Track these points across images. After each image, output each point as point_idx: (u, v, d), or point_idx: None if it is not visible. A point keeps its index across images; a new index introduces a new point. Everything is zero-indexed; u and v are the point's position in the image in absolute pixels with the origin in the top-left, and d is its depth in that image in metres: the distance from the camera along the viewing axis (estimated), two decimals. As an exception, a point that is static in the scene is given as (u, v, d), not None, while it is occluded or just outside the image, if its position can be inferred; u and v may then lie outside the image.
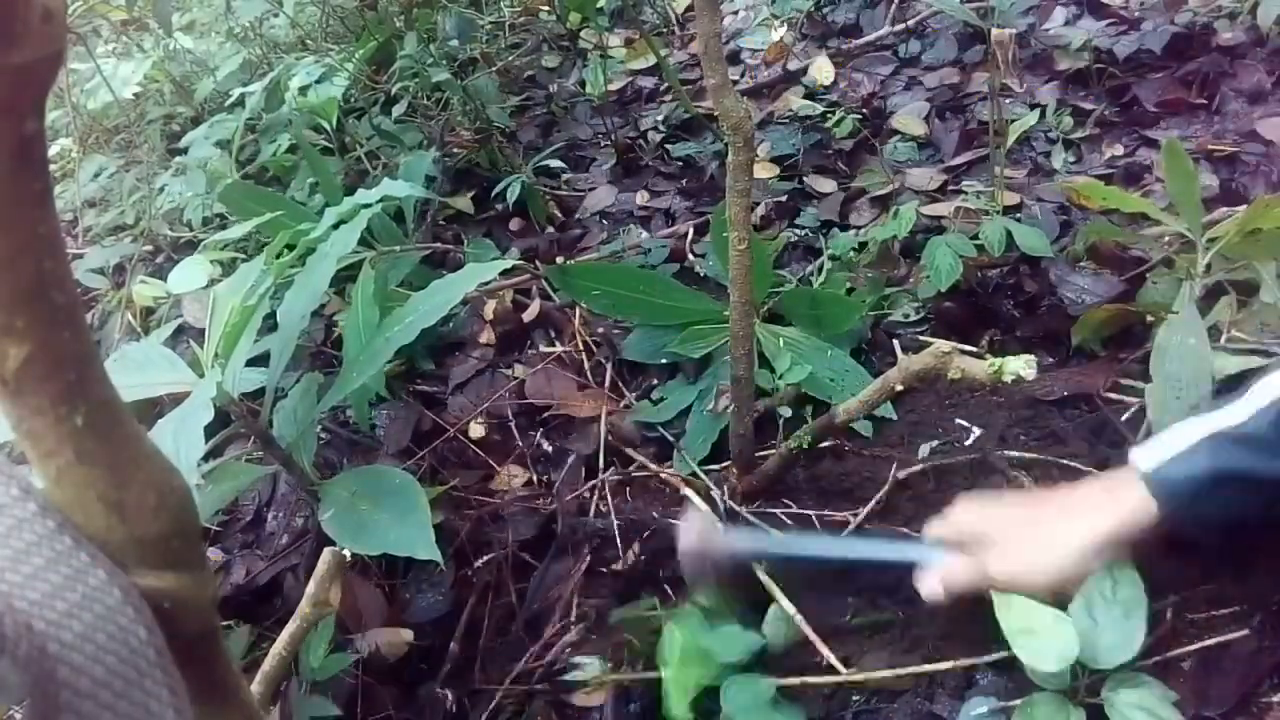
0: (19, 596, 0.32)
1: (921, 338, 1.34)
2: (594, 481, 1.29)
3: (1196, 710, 0.85)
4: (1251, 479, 0.71)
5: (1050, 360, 1.27)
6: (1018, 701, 0.86)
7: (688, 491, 1.23)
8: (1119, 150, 1.55)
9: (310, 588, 0.83)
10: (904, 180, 1.59)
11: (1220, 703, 0.85)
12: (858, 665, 0.99)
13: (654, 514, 1.22)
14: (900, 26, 1.99)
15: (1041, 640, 0.81)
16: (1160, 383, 1.00)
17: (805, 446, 1.13)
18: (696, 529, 0.94)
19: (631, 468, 1.31)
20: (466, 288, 1.05)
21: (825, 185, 1.66)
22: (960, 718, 0.90)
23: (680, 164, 1.84)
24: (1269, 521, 0.76)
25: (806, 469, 1.22)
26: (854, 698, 0.97)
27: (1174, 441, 0.75)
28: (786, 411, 1.23)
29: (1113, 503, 0.76)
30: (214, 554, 1.34)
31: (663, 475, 1.27)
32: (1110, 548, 0.77)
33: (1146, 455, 0.76)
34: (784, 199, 1.65)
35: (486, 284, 1.51)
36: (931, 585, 0.84)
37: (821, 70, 1.91)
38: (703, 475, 1.24)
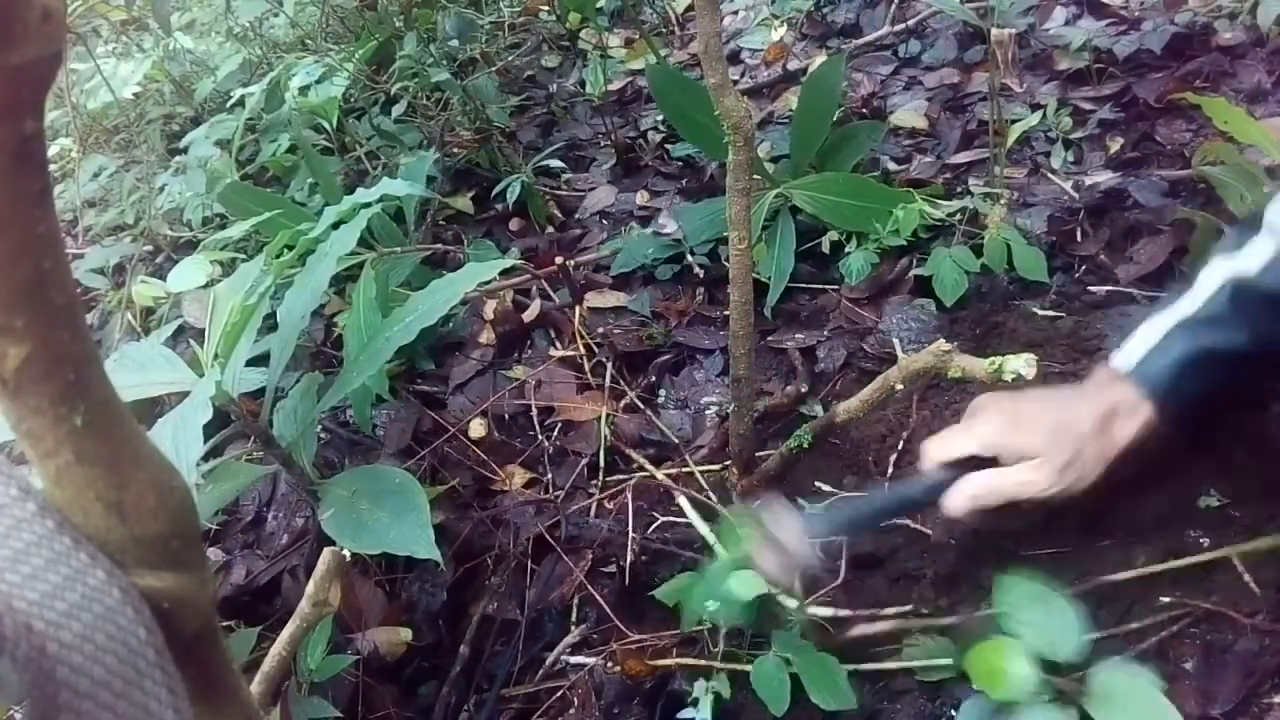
0: (18, 596, 0.32)
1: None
2: (595, 482, 1.29)
3: (1201, 710, 0.84)
4: (1219, 353, 0.85)
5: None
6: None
7: (684, 499, 1.23)
8: (1119, 149, 1.56)
9: (310, 588, 0.83)
10: (904, 180, 1.59)
11: (1224, 702, 0.85)
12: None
13: (656, 514, 1.22)
14: (900, 26, 1.99)
15: (1045, 625, 0.81)
16: None
17: (805, 446, 1.13)
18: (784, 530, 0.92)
19: (633, 467, 1.31)
20: (466, 287, 1.05)
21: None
22: (961, 715, 0.90)
23: (680, 164, 1.84)
24: (1241, 387, 0.92)
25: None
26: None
27: (1147, 338, 0.88)
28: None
29: (1107, 406, 0.86)
30: (214, 554, 1.34)
31: (664, 475, 1.27)
32: (1106, 444, 0.85)
33: (1126, 357, 0.88)
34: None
35: (486, 284, 1.51)
36: (960, 500, 0.88)
37: (821, 70, 1.91)
38: (700, 476, 1.25)
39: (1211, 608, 0.91)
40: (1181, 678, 0.87)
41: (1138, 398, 0.86)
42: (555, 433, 1.38)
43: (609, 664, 1.06)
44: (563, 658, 1.10)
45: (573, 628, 1.13)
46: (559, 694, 1.08)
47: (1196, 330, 0.86)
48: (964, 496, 0.88)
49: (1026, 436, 0.87)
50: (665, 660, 1.03)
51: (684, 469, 1.27)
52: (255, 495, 1.40)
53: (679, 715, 1.00)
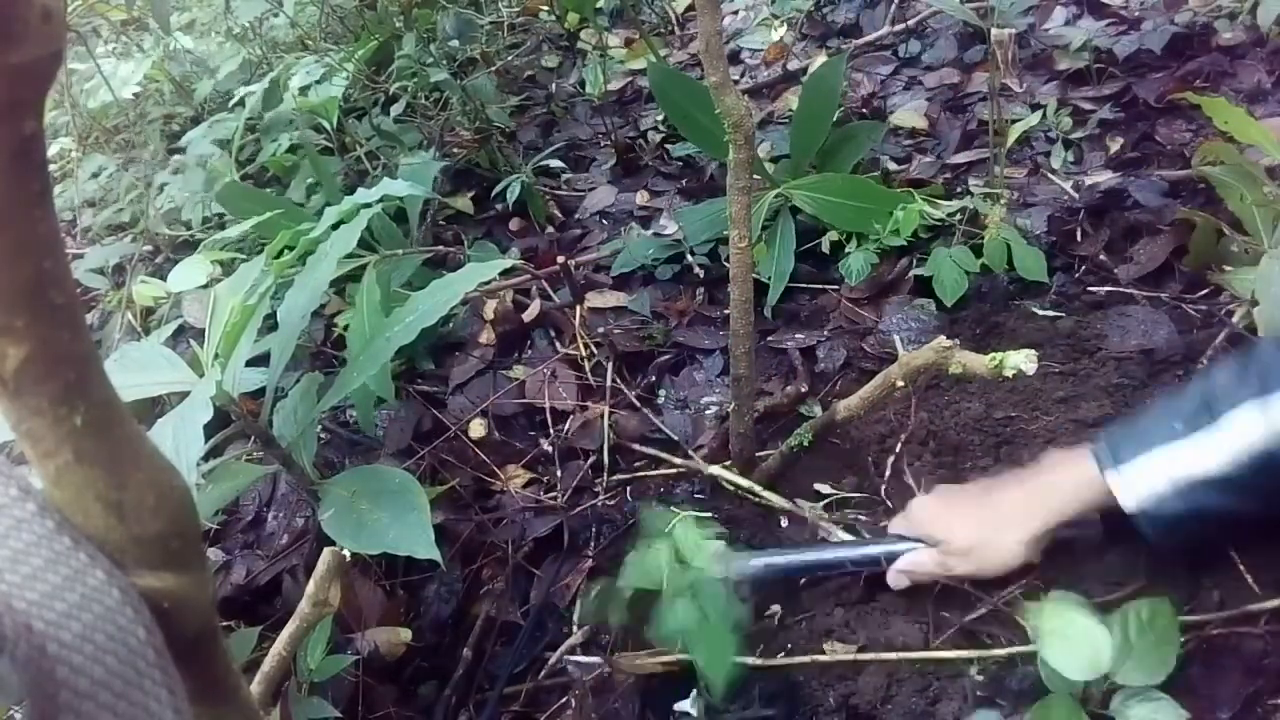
0: (18, 597, 0.32)
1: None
2: (600, 481, 1.29)
3: (1204, 714, 0.84)
4: (1230, 513, 0.85)
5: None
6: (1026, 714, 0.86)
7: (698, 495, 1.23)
8: (1119, 149, 1.56)
9: (310, 588, 0.83)
10: (904, 180, 1.59)
11: (1227, 707, 0.85)
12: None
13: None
14: (900, 26, 1.99)
15: (1074, 646, 0.80)
16: (1269, 304, 1.08)
17: (805, 445, 1.13)
18: None
19: (635, 463, 1.31)
20: (466, 287, 1.05)
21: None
22: (963, 723, 0.90)
23: (680, 164, 1.84)
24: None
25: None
26: (854, 700, 0.97)
27: (1155, 479, 0.86)
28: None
29: (1076, 502, 0.91)
30: (214, 554, 1.34)
31: (665, 475, 1.27)
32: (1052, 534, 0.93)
33: (1129, 489, 0.86)
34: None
35: (486, 284, 1.51)
36: (896, 577, 0.99)
37: (821, 70, 1.91)
38: (707, 474, 1.25)
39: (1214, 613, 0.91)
40: (1184, 682, 0.87)
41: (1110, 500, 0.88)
42: (556, 433, 1.38)
43: (610, 665, 1.05)
44: (565, 658, 1.10)
45: (574, 629, 1.13)
46: (559, 694, 1.08)
47: (1215, 494, 0.84)
48: (896, 572, 0.99)
49: (937, 526, 0.97)
50: (667, 659, 1.03)
51: (690, 468, 1.27)
52: (255, 495, 1.40)
53: (675, 706, 1.00)
